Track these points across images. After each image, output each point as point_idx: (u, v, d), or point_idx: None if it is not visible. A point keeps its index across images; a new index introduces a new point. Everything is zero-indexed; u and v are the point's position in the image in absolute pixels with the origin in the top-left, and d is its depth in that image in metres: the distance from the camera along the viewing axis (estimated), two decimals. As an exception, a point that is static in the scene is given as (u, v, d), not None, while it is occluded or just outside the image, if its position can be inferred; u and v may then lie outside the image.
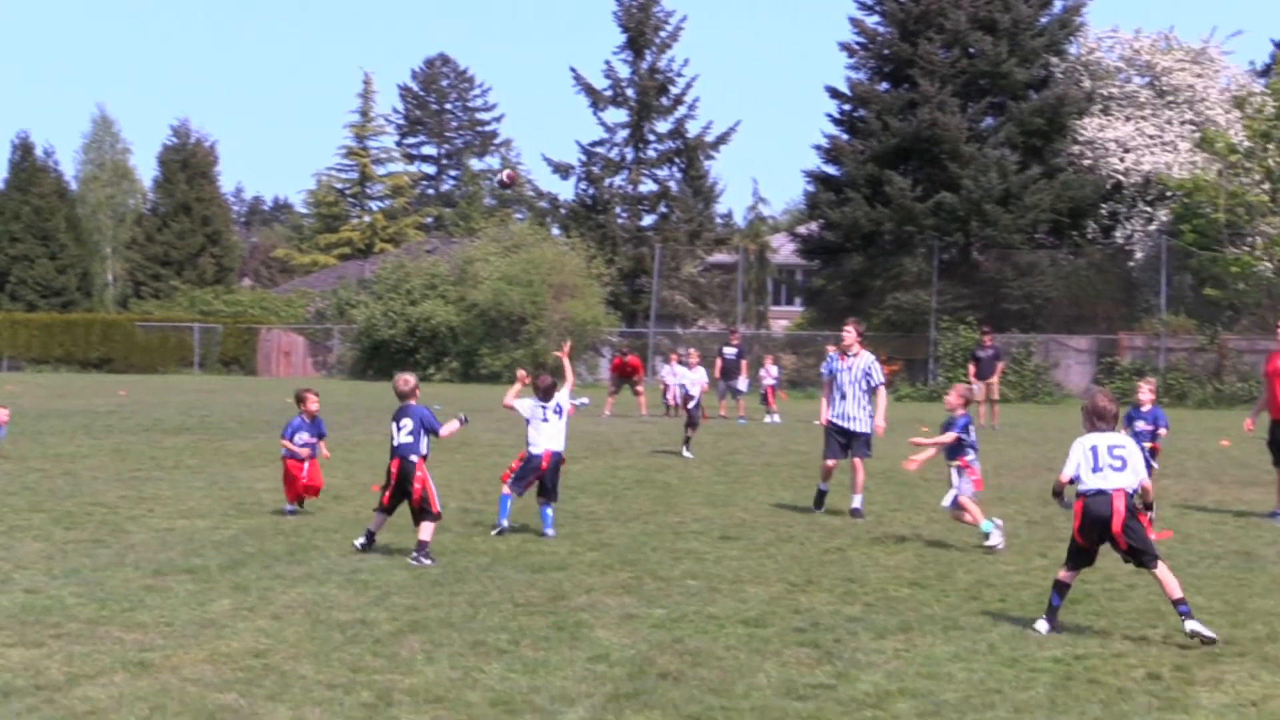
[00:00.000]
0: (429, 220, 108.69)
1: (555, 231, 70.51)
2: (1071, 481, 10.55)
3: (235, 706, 8.11)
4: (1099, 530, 10.27)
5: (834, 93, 61.66)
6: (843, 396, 17.18)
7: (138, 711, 7.95)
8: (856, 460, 17.14)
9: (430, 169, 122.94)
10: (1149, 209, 57.84)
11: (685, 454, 24.69)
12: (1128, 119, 58.75)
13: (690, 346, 36.63)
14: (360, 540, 13.68)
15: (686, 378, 27.63)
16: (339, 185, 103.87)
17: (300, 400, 16.81)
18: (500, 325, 60.67)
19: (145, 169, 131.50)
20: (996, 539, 14.22)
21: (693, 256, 70.34)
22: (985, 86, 58.69)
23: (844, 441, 17.23)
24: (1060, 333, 55.19)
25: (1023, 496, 19.33)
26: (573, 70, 71.95)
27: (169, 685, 8.52)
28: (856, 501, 17.10)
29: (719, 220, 76.11)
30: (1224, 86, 59.69)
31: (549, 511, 15.03)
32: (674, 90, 72.56)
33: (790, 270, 74.44)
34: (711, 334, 62.70)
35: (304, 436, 16.46)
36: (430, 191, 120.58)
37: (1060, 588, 10.51)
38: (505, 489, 15.09)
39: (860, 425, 17.18)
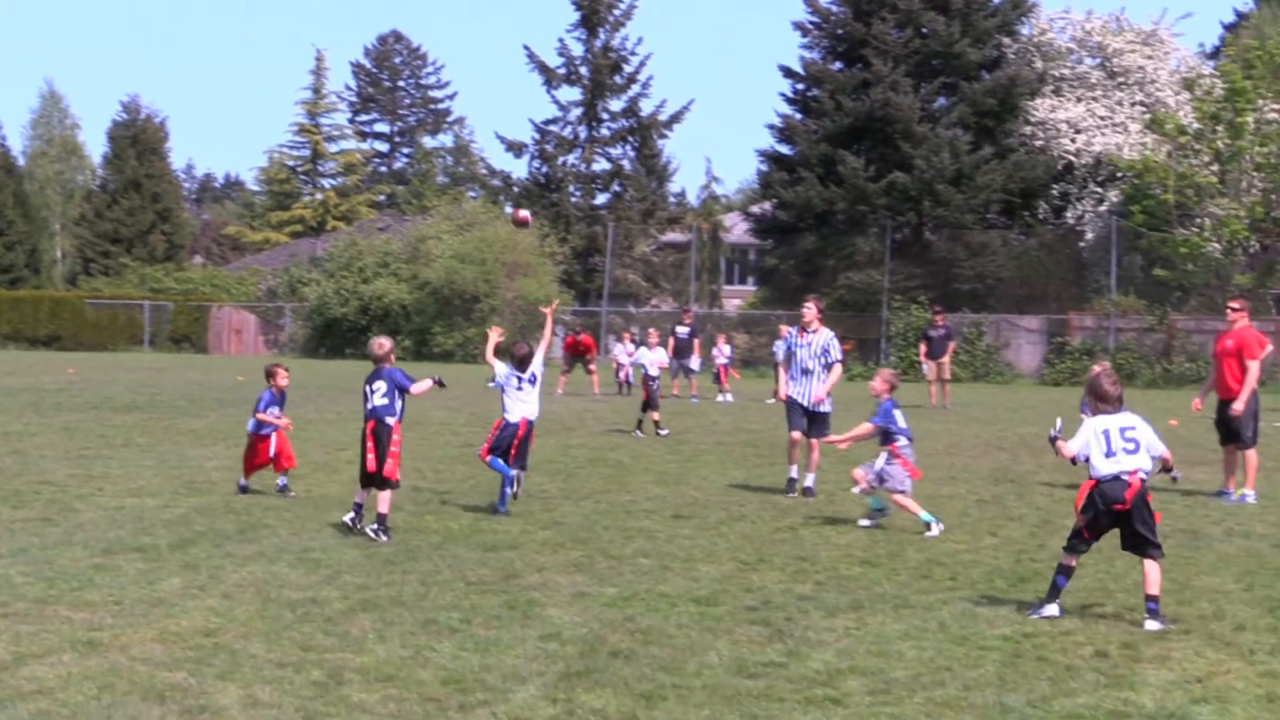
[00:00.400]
0: (382, 198, 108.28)
1: (508, 210, 70.32)
2: (1075, 461, 10.51)
3: (185, 685, 8.08)
4: (1111, 515, 10.17)
5: (788, 72, 61.77)
6: (804, 373, 17.10)
7: (86, 691, 7.90)
8: (813, 440, 17.06)
9: (383, 146, 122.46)
10: (1099, 190, 58.14)
11: (637, 435, 24.68)
12: (1079, 100, 59.03)
13: (650, 326, 36.55)
14: (348, 517, 13.48)
15: (646, 358, 27.59)
16: (291, 162, 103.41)
17: (271, 375, 16.54)
18: (453, 303, 60.59)
19: (95, 145, 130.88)
20: (935, 530, 14.04)
21: (646, 235, 70.34)
22: (938, 67, 58.88)
23: (806, 416, 17.14)
24: (1011, 313, 55.45)
25: (974, 476, 19.42)
26: (526, 48, 72.04)
27: (118, 664, 8.48)
28: (809, 480, 17.05)
29: (672, 199, 76.14)
30: (1174, 68, 60.05)
31: (515, 474, 14.97)
32: (627, 69, 72.55)
33: (743, 249, 74.56)
34: (665, 313, 62.74)
35: (275, 411, 16.29)
36: (383, 169, 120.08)
37: (1063, 570, 10.39)
38: (488, 459, 15.06)
39: (822, 405, 17.11)
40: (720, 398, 36.12)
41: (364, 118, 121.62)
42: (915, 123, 56.41)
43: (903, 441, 14.47)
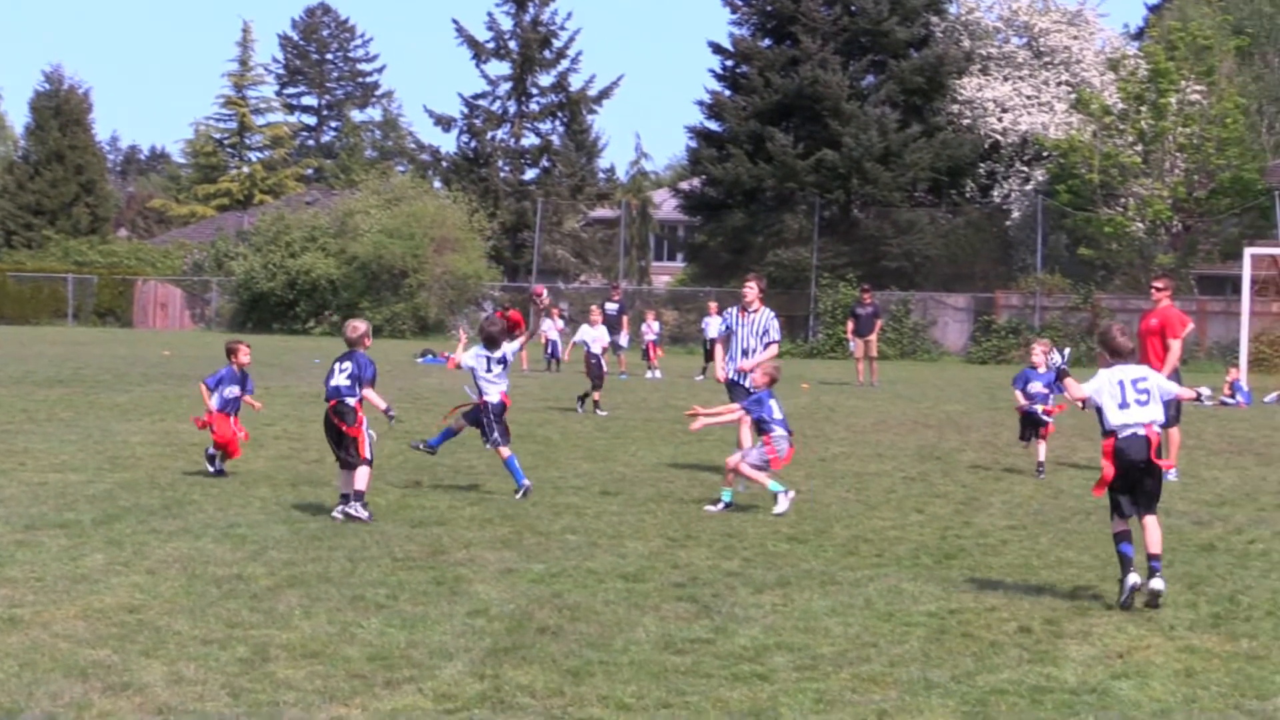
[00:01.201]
0: (309, 172, 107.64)
1: (437, 185, 70.12)
2: (1084, 405, 10.43)
3: (108, 663, 8.01)
4: (1135, 471, 10.08)
5: (717, 48, 61.81)
6: (744, 353, 16.89)
7: (6, 668, 7.83)
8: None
9: (310, 120, 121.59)
10: (1026, 169, 58.61)
11: (579, 409, 24.63)
12: (1006, 79, 59.43)
13: (593, 303, 36.35)
14: (337, 511, 12.96)
15: (588, 335, 27.43)
16: (217, 135, 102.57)
17: (231, 352, 16.11)
18: (381, 279, 60.35)
19: (16, 116, 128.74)
20: (784, 505, 13.74)
21: (575, 211, 70.26)
22: (866, 44, 59.07)
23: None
24: (938, 291, 55.79)
25: (900, 453, 19.54)
26: (455, 22, 71.82)
27: (40, 641, 8.40)
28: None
29: (601, 175, 76.08)
30: (1099, 49, 60.62)
31: (493, 446, 14.85)
32: (557, 43, 72.42)
33: (672, 226, 74.64)
34: (594, 289, 62.77)
35: (233, 390, 15.88)
36: (310, 143, 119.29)
37: (1123, 537, 10.20)
38: (503, 454, 14.72)
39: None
40: (649, 374, 36.17)
41: (291, 91, 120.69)
42: (844, 100, 56.57)
43: (778, 432, 14.17)
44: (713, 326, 37.96)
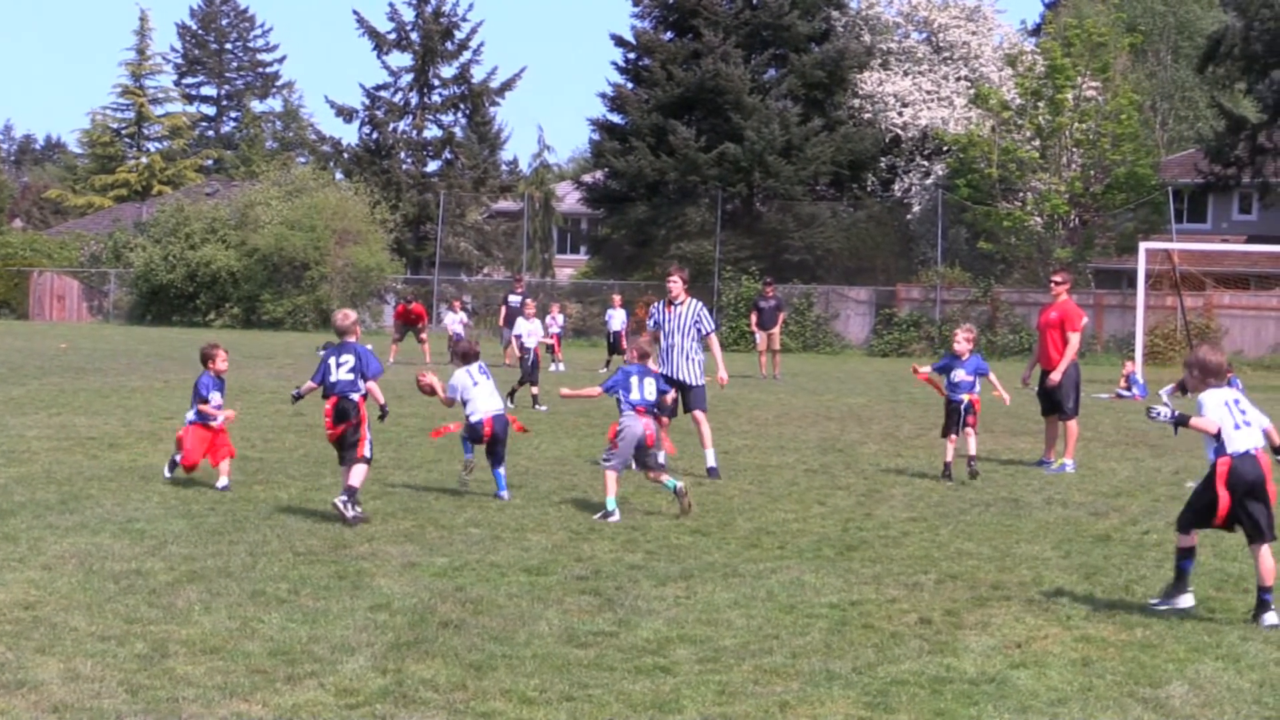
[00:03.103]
0: (209, 163, 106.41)
1: (338, 176, 69.61)
2: (1219, 437, 9.69)
3: (2, 660, 7.91)
4: (1246, 493, 9.52)
5: (619, 41, 61.79)
6: (670, 348, 16.45)
7: (-99, 666, 7.71)
8: (697, 414, 16.39)
9: (210, 110, 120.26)
10: (926, 163, 59.14)
11: (539, 408, 24.08)
12: (906, 74, 59.94)
13: (529, 297, 35.99)
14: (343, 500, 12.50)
15: (523, 328, 27.13)
16: (114, 125, 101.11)
17: (208, 358, 14.85)
18: (282, 271, 59.86)
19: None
20: (615, 517, 13.07)
21: (478, 203, 69.98)
22: (768, 38, 59.29)
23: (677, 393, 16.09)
24: (840, 284, 56.13)
25: (803, 445, 19.64)
26: (356, 13, 71.48)
27: (-66, 639, 8.29)
28: (710, 459, 16.33)
29: (504, 167, 75.80)
30: (997, 44, 61.25)
31: (501, 472, 14.29)
32: (459, 35, 72.07)
33: (576, 219, 74.59)
34: (497, 281, 62.64)
35: (217, 397, 14.71)
36: (210, 133, 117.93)
37: (1187, 554, 9.81)
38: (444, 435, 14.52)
39: (692, 377, 16.43)
40: (553, 367, 36.11)
41: (190, 80, 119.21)
42: (746, 94, 56.75)
43: (625, 409, 13.52)
44: (616, 319, 38.02)
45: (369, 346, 13.29)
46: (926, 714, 7.44)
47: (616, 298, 39.30)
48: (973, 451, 16.38)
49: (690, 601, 9.78)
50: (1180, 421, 9.85)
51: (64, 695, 7.34)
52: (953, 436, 16.50)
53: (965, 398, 16.45)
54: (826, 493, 15.13)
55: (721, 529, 12.70)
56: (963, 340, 16.64)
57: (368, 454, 12.75)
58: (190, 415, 14.77)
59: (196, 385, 14.75)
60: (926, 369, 17.24)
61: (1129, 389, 30.30)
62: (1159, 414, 9.92)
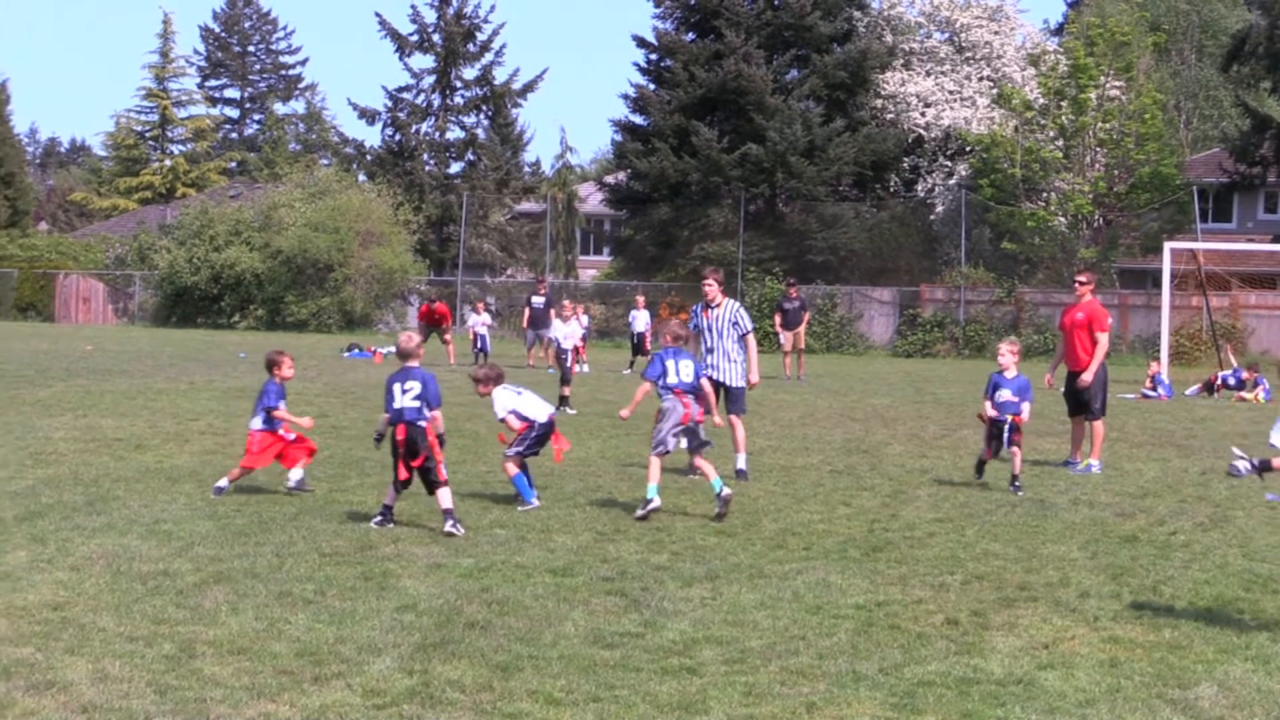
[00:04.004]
0: (233, 165, 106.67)
1: (361, 178, 69.76)
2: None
3: (32, 661, 7.94)
4: None
5: (641, 42, 61.76)
6: (711, 350, 16.36)
7: (-70, 667, 7.75)
8: (733, 418, 16.33)
9: (233, 112, 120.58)
10: (949, 163, 59.01)
11: (568, 410, 23.97)
12: (928, 74, 59.82)
13: (565, 299, 35.95)
14: (377, 518, 12.46)
15: (559, 331, 27.03)
16: (139, 128, 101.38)
17: (274, 365, 14.54)
18: (306, 273, 59.99)
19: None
20: (656, 503, 13.15)
21: (500, 205, 70.06)
22: (790, 39, 59.22)
23: (718, 394, 16.04)
24: (864, 284, 56.04)
25: (828, 446, 19.62)
26: (378, 15, 71.57)
27: (-37, 640, 8.32)
28: (740, 461, 16.30)
29: (527, 169, 75.88)
30: (1020, 44, 61.12)
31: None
32: (481, 36, 72.18)
33: (599, 220, 74.61)
34: (520, 283, 62.65)
35: (282, 405, 14.39)
36: (233, 136, 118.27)
37: None
38: (511, 470, 13.87)
39: (733, 378, 16.40)
40: (577, 368, 36.10)
41: (213, 83, 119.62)
42: (768, 95, 56.70)
43: (669, 395, 13.53)
44: (639, 320, 38.01)
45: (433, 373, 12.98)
46: (953, 715, 7.42)
47: (640, 299, 39.27)
48: (1017, 469, 15.68)
49: (716, 602, 9.77)
50: (1264, 468, 10.02)
51: (93, 695, 7.37)
52: (989, 451, 15.99)
53: (1009, 418, 15.78)
54: (852, 494, 15.11)
55: (747, 530, 12.69)
56: (1007, 354, 16.05)
57: (444, 477, 12.41)
58: (257, 422, 14.34)
59: (263, 392, 14.44)
60: (990, 411, 16.09)
61: (1154, 389, 30.20)
62: (1239, 470, 9.88)
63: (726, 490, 13.40)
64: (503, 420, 14.17)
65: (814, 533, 12.61)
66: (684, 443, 13.72)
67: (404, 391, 12.47)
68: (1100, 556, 11.71)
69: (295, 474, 14.28)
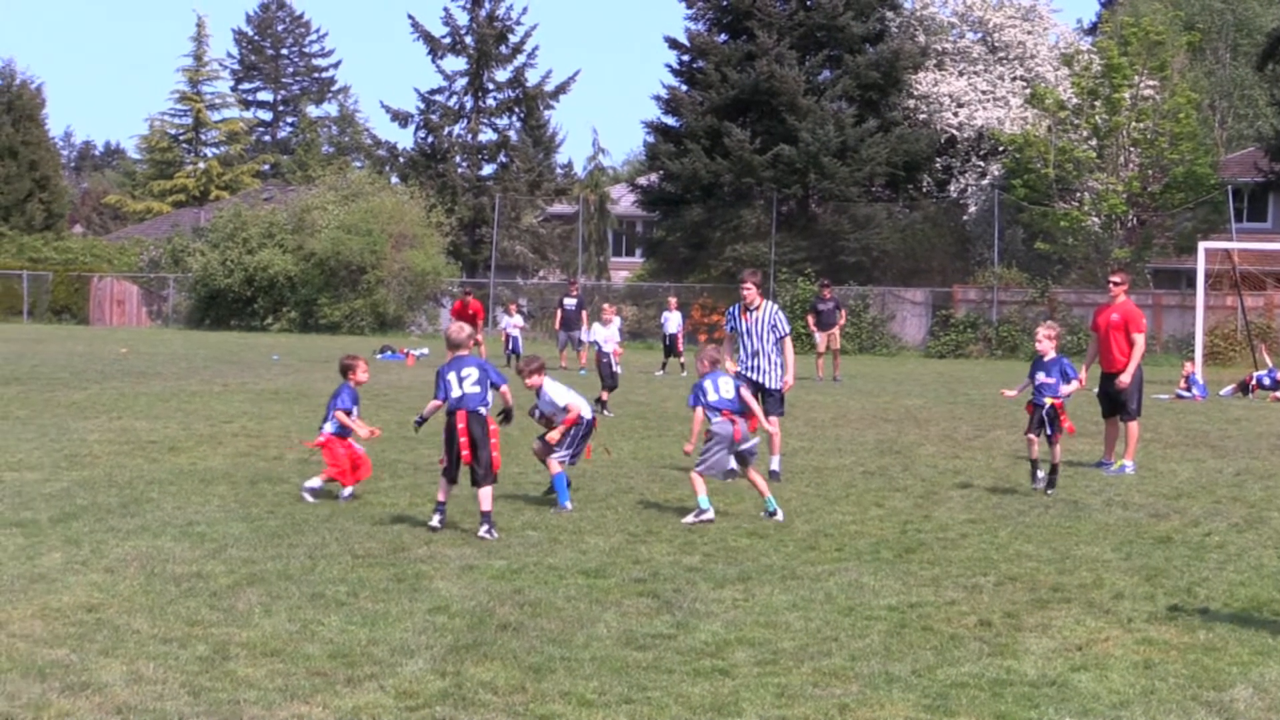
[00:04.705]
0: (266, 167, 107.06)
1: (394, 180, 69.91)
2: None
3: (67, 662, 7.98)
4: None
5: (673, 43, 61.72)
6: (750, 352, 16.31)
7: (-34, 668, 7.79)
8: (772, 419, 16.18)
9: (266, 115, 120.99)
10: (982, 163, 58.83)
11: (606, 414, 23.91)
12: (961, 74, 59.65)
13: (606, 301, 35.84)
14: (435, 520, 12.35)
15: (600, 334, 26.96)
16: (172, 131, 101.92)
17: (348, 369, 14.56)
18: (339, 275, 60.13)
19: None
20: (710, 514, 13.10)
21: (533, 206, 70.16)
22: (822, 39, 59.11)
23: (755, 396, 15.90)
24: (896, 285, 55.91)
25: (860, 447, 19.58)
26: (410, 17, 71.56)
27: (-2, 641, 8.36)
28: (775, 463, 16.32)
29: (559, 170, 75.96)
30: (1053, 44, 60.91)
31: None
32: (513, 39, 72.28)
33: (631, 221, 74.62)
34: (552, 285, 62.70)
35: (356, 411, 14.41)
36: (267, 138, 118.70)
37: None
38: (555, 468, 13.93)
39: (772, 380, 16.36)
40: (619, 369, 36.07)
41: (247, 86, 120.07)
42: (800, 95, 56.60)
43: (717, 416, 13.48)
44: (672, 322, 37.96)
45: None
46: (987, 717, 7.40)
47: (672, 300, 39.19)
48: (1056, 459, 15.43)
49: (748, 604, 9.76)
50: None
51: (127, 697, 7.40)
52: (1033, 436, 15.60)
53: (1048, 401, 15.41)
54: (884, 495, 15.08)
55: (779, 531, 12.67)
56: (1044, 339, 15.72)
57: (498, 469, 12.44)
58: (329, 427, 14.28)
59: (336, 397, 14.40)
60: (1013, 391, 16.10)
61: (1189, 390, 30.05)
62: None
63: (780, 514, 13.35)
64: (561, 410, 14.21)
65: (846, 534, 12.59)
66: (734, 463, 13.69)
67: (461, 379, 12.38)
68: (1134, 558, 11.66)
69: (346, 491, 14.17)
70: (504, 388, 12.64)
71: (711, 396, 13.53)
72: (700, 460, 13.44)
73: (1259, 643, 8.93)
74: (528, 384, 14.33)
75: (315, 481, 14.13)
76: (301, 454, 17.09)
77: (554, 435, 14.16)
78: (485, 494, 12.22)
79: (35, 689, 7.49)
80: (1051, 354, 15.63)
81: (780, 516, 13.35)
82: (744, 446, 13.56)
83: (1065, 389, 15.53)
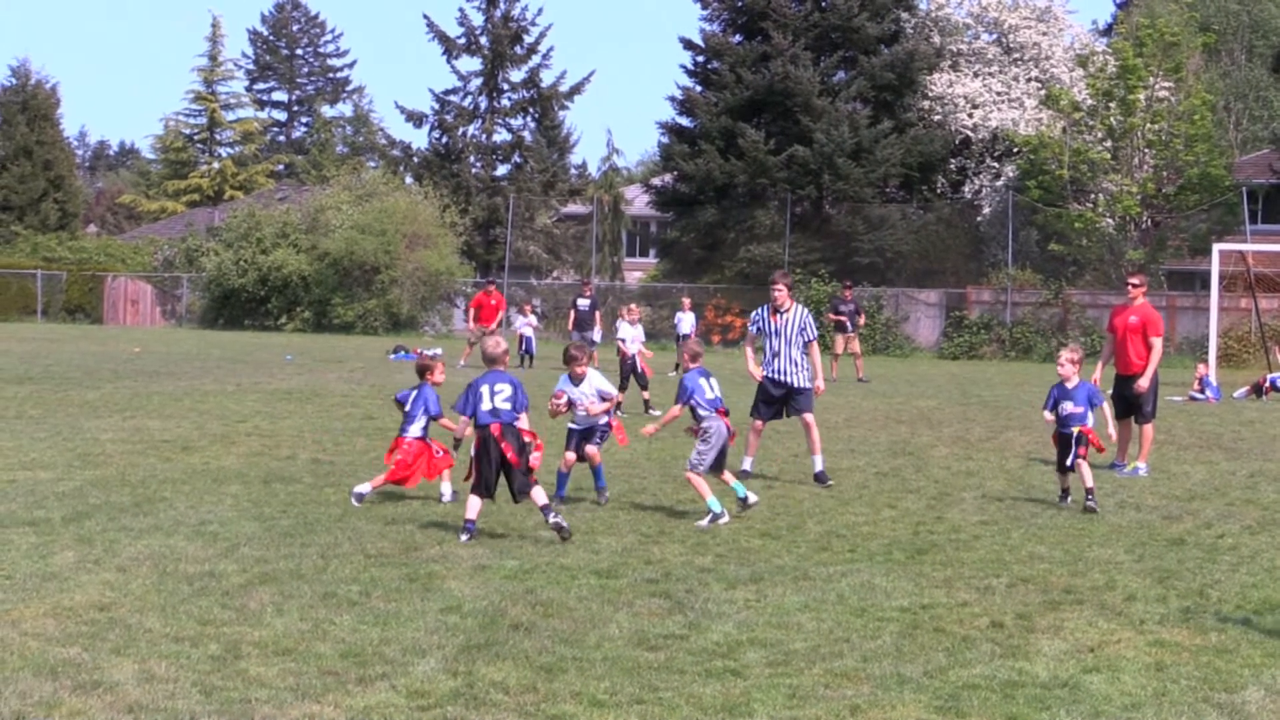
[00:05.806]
0: (280, 167, 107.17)
1: (408, 180, 69.94)
2: None
3: (78, 661, 7.99)
4: None
5: (688, 44, 61.71)
6: (776, 355, 16.29)
7: (-21, 667, 7.81)
8: (807, 418, 16.28)
9: (281, 115, 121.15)
10: (996, 165, 58.75)
11: (654, 413, 23.79)
12: (976, 75, 59.57)
13: (630, 301, 35.79)
14: (464, 539, 11.93)
15: (628, 334, 26.83)
16: (187, 130, 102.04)
17: (428, 370, 14.50)
18: (353, 275, 60.21)
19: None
20: (723, 519, 13.06)
21: (547, 207, 70.17)
22: (837, 40, 59.07)
23: (780, 398, 16.29)
24: (910, 286, 55.86)
25: (873, 449, 19.57)
26: (426, 17, 71.69)
27: (9, 640, 8.37)
28: (818, 464, 16.25)
29: (573, 171, 75.96)
30: (1068, 45, 60.81)
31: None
32: (527, 39, 72.28)
33: (645, 222, 74.62)
34: (566, 285, 62.69)
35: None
36: (281, 138, 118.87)
37: None
38: (597, 458, 14.25)
39: (800, 381, 16.25)
40: (649, 368, 36.07)
41: (261, 86, 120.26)
42: (815, 96, 56.56)
43: (705, 412, 13.46)
44: (685, 322, 37.97)
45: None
46: (998, 718, 7.39)
47: (686, 301, 39.26)
48: (1089, 484, 14.56)
49: (760, 605, 9.76)
50: None
51: (139, 696, 7.41)
52: (1066, 475, 15.03)
53: (1076, 429, 14.89)
54: (897, 496, 15.07)
55: (791, 532, 12.67)
56: (1067, 363, 15.20)
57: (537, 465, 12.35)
58: (417, 430, 14.12)
59: (422, 399, 14.22)
60: (1050, 415, 15.36)
61: (1202, 392, 30.00)
62: None
63: (753, 497, 13.51)
64: (597, 399, 14.30)
65: (859, 535, 12.58)
66: (711, 461, 13.52)
67: (494, 394, 12.25)
68: (1146, 560, 11.64)
69: (446, 488, 14.14)
70: (523, 416, 12.34)
71: (708, 395, 13.54)
72: (698, 461, 13.41)
73: (1271, 645, 8.91)
74: (577, 373, 14.27)
75: (365, 487, 13.92)
76: (313, 454, 17.13)
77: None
78: (536, 493, 12.12)
79: (47, 687, 7.50)
80: (1075, 379, 15.15)
81: (754, 498, 13.53)
82: (724, 456, 13.61)
83: (1093, 419, 15.12)
